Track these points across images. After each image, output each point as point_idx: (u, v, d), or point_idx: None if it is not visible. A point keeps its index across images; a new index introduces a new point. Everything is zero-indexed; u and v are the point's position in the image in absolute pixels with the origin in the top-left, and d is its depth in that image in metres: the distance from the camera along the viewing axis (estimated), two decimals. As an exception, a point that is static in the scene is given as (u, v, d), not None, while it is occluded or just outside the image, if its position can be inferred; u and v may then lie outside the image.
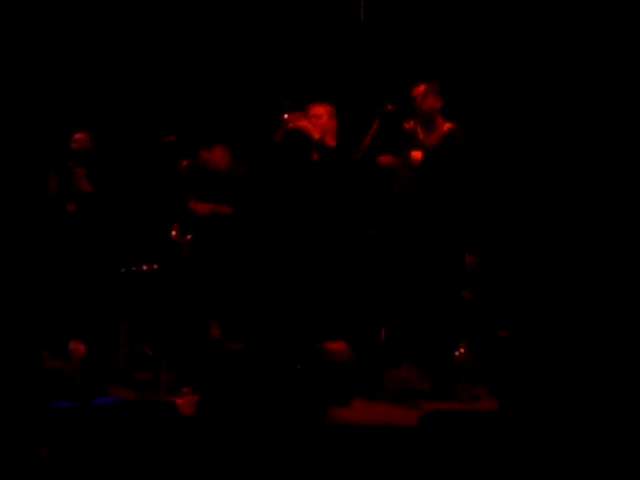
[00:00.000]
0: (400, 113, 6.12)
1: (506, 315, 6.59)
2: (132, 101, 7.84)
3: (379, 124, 6.10)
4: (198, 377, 6.17)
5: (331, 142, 6.39)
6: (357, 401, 5.86)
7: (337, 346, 6.13)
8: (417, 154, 5.99)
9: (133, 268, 6.51)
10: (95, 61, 7.76)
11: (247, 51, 7.71)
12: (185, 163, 6.83)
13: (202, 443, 4.97)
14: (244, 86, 7.69)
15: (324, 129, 6.39)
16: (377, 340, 6.26)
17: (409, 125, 6.10)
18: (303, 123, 6.35)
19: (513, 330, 6.44)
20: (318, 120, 6.39)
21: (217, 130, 7.19)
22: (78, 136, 6.93)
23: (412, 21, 7.25)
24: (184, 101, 7.78)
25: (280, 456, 4.76)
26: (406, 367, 6.39)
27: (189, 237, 6.65)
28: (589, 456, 4.63)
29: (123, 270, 6.55)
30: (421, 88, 6.03)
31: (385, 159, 6.12)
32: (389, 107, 6.10)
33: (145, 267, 6.48)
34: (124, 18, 7.77)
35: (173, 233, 6.70)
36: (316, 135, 6.34)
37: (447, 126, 6.10)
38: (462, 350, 5.87)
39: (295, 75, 7.48)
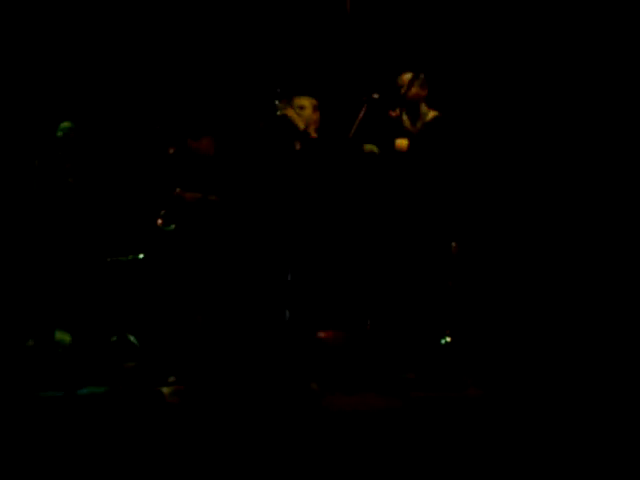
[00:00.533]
0: (386, 101, 6.13)
1: (491, 302, 6.63)
2: (118, 89, 7.82)
3: (365, 112, 6.10)
4: (185, 366, 6.18)
5: (313, 134, 6.41)
6: (344, 389, 5.88)
7: (331, 334, 6.14)
8: (402, 142, 6.01)
9: (119, 257, 6.51)
10: (82, 50, 7.74)
11: (233, 40, 7.70)
12: (172, 151, 6.82)
13: (189, 431, 4.99)
14: (231, 75, 7.68)
15: (308, 121, 6.41)
16: (363, 329, 6.27)
17: (395, 113, 6.12)
18: (290, 112, 6.37)
19: (497, 318, 6.48)
20: (302, 111, 6.41)
21: (203, 117, 7.19)
22: (65, 125, 6.93)
23: (398, 11, 7.26)
24: (171, 89, 7.77)
25: (269, 443, 4.78)
26: (391, 356, 6.43)
27: (174, 226, 6.64)
28: (574, 439, 4.67)
29: (109, 259, 6.56)
30: (406, 77, 6.05)
31: (369, 148, 6.15)
32: (375, 96, 6.10)
33: (131, 256, 6.49)
34: (110, 6, 7.75)
35: (159, 221, 6.69)
36: (301, 126, 6.36)
37: (432, 115, 6.12)
38: (448, 338, 5.88)
39: (281, 64, 7.47)
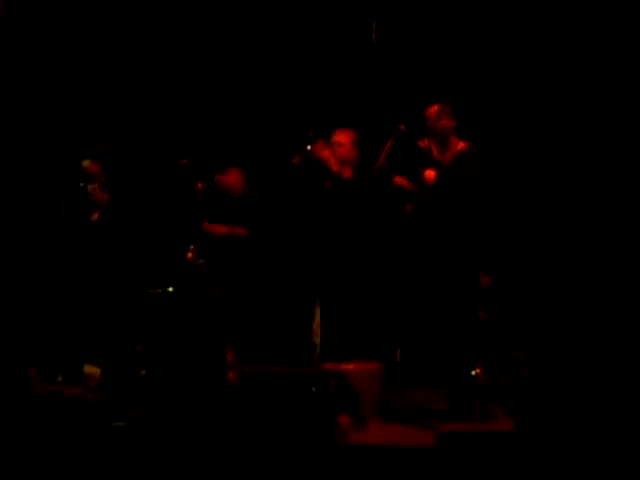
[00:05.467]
0: (412, 133, 6.12)
1: (522, 335, 6.57)
2: (147, 124, 7.87)
3: (392, 144, 6.08)
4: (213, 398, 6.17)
5: (348, 173, 6.38)
6: (373, 422, 5.83)
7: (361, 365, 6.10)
8: (431, 173, 5.97)
9: (149, 290, 6.52)
10: (112, 83, 7.81)
11: (261, 73, 7.74)
12: (200, 186, 6.85)
13: (215, 463, 4.96)
14: (257, 109, 7.71)
15: (344, 158, 6.37)
16: (393, 360, 6.24)
17: (424, 143, 6.07)
18: (324, 154, 6.32)
19: (529, 350, 6.42)
20: (340, 148, 6.36)
21: (231, 153, 7.22)
22: (86, 164, 6.98)
23: (423, 42, 7.27)
24: (199, 124, 7.81)
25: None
26: (422, 388, 6.38)
27: (203, 260, 6.65)
28: (604, 473, 4.60)
29: (138, 293, 6.58)
30: (434, 108, 6.02)
31: (399, 180, 6.11)
32: (401, 127, 6.07)
33: (160, 289, 6.50)
34: (145, 42, 7.83)
35: (189, 255, 6.71)
36: (334, 167, 6.31)
37: (461, 145, 6.08)
38: (478, 370, 5.83)
39: (307, 98, 7.50)
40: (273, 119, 7.50)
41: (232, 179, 7.00)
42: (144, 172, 7.55)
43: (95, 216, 6.94)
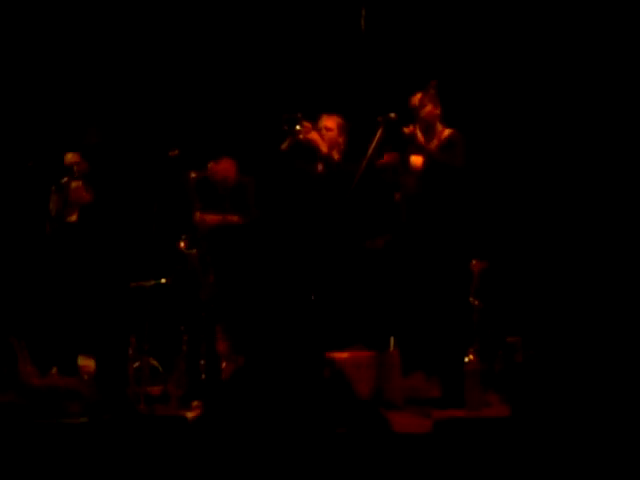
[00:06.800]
0: (402, 121, 6.10)
1: (516, 321, 6.58)
2: (137, 114, 7.85)
3: (382, 133, 6.04)
4: (210, 390, 6.17)
5: (336, 156, 6.38)
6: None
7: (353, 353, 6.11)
8: (417, 159, 5.95)
9: (141, 282, 6.51)
10: (101, 72, 7.79)
11: (249, 61, 7.72)
12: (193, 175, 6.83)
13: (212, 456, 4.97)
14: (248, 96, 7.70)
15: (332, 143, 6.36)
16: (385, 348, 6.24)
17: (409, 130, 6.05)
18: (312, 136, 6.30)
19: (524, 336, 6.43)
20: (328, 133, 6.36)
21: (223, 141, 7.20)
22: (69, 157, 6.96)
23: (412, 30, 7.25)
24: (190, 113, 7.79)
25: (292, 467, 4.75)
26: (416, 375, 6.38)
27: (196, 250, 6.64)
28: (601, 460, 4.60)
29: (132, 284, 6.57)
30: (419, 96, 6.01)
31: (387, 157, 6.09)
32: (391, 116, 6.03)
33: (153, 281, 6.48)
34: (130, 30, 7.80)
35: (181, 245, 6.70)
36: (324, 149, 6.31)
37: (447, 132, 6.07)
38: (471, 357, 5.84)
39: (296, 85, 7.48)
40: (263, 107, 7.48)
41: (225, 168, 6.97)
42: (135, 163, 7.54)
43: (74, 217, 6.93)
